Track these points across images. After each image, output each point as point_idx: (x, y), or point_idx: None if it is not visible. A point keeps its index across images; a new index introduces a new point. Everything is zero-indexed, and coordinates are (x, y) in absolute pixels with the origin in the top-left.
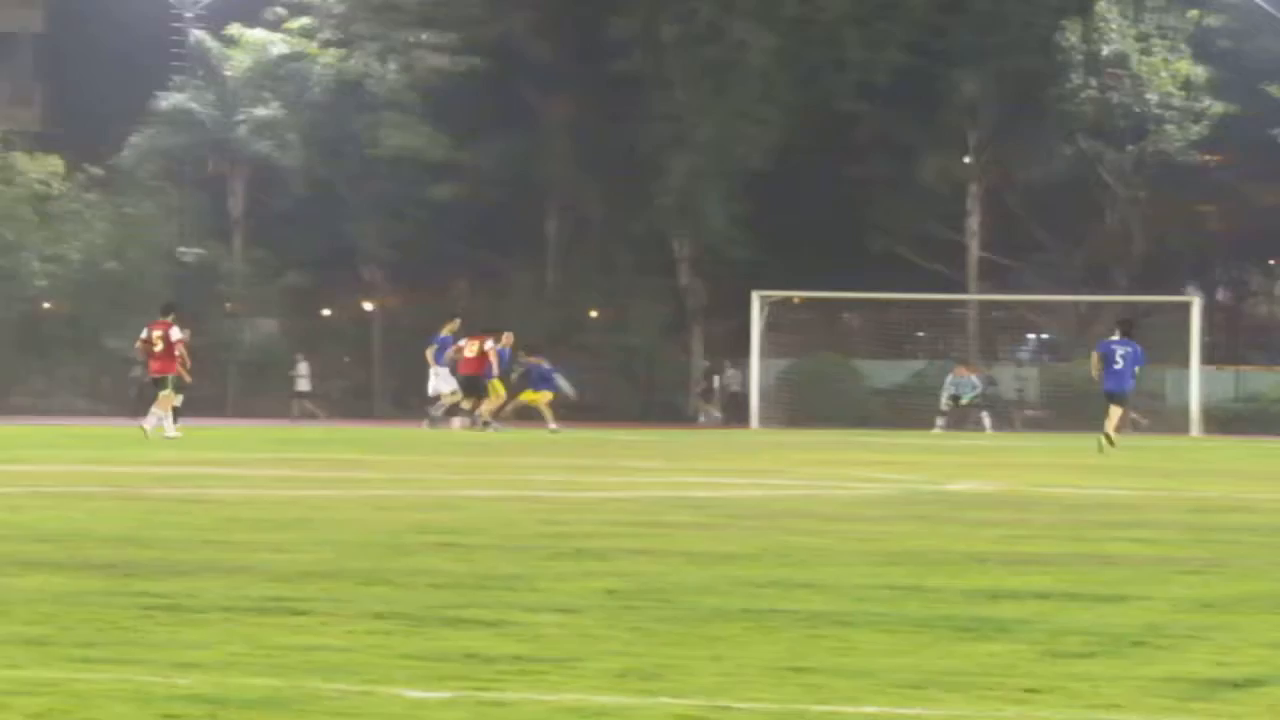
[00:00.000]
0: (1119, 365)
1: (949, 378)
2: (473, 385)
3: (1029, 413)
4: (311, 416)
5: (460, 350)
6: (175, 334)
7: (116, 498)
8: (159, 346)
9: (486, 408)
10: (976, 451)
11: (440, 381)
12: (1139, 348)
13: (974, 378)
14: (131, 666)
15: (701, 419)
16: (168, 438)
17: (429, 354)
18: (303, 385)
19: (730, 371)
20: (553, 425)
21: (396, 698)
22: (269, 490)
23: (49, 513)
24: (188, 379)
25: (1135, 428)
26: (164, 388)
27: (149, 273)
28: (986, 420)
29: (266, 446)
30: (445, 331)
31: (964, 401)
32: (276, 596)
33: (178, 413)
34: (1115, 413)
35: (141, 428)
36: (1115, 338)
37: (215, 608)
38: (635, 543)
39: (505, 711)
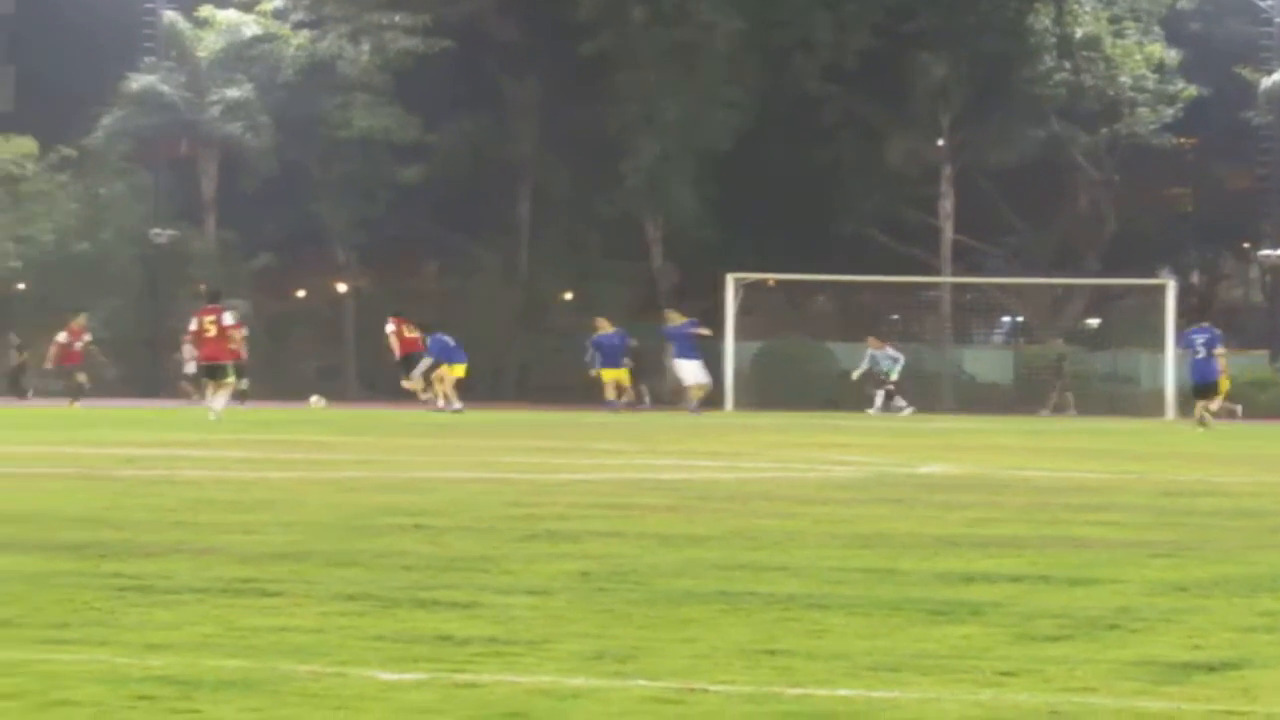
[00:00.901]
0: (1200, 354)
1: (869, 353)
2: (411, 363)
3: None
4: (187, 396)
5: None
6: (228, 319)
7: (87, 478)
8: (211, 333)
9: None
10: (947, 434)
11: (690, 372)
12: (1217, 331)
13: (890, 350)
14: (103, 647)
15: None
16: (211, 421)
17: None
18: (190, 369)
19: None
20: (456, 405)
21: (369, 679)
22: (239, 472)
23: (19, 494)
24: (243, 359)
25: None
26: (222, 375)
27: (120, 254)
28: (900, 400)
29: (236, 427)
30: (677, 321)
31: (894, 376)
32: (248, 578)
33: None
34: (1212, 400)
35: (208, 409)
36: (1196, 326)
37: (187, 589)
38: (607, 525)
39: (478, 693)
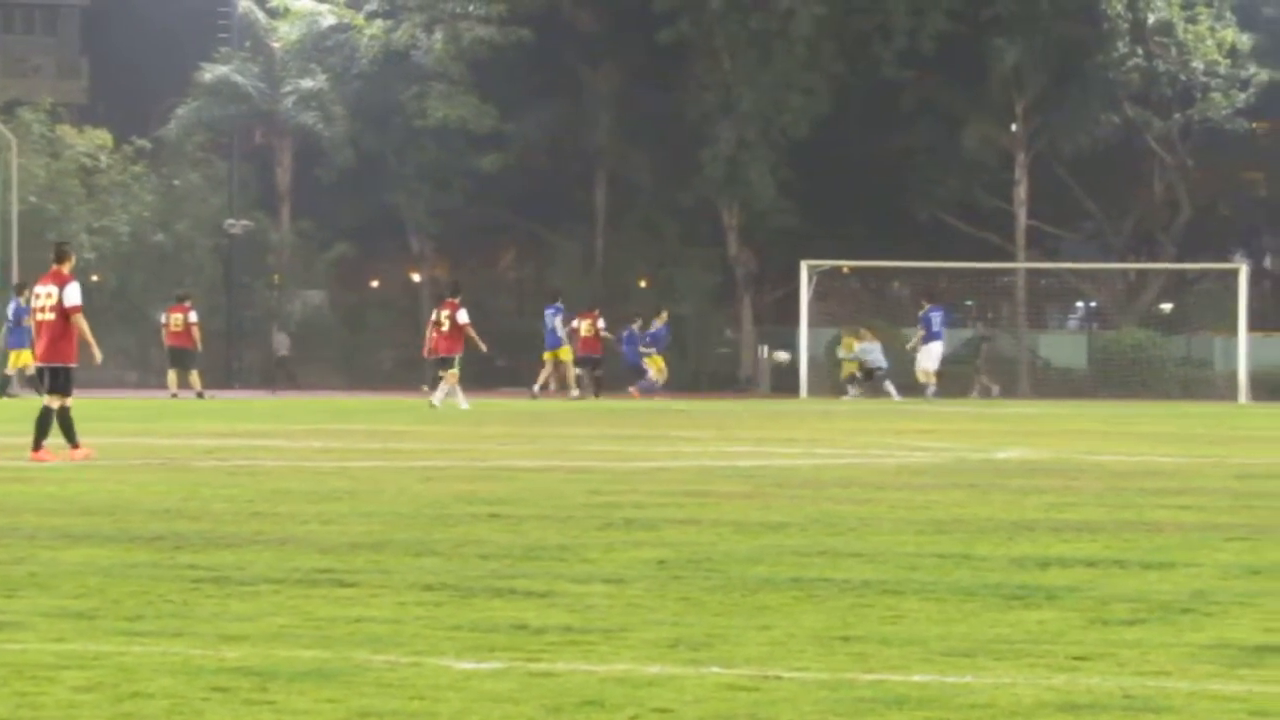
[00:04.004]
0: None
1: (863, 346)
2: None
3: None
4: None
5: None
6: (463, 316)
7: (164, 470)
8: (446, 326)
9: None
10: (1023, 419)
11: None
12: None
13: (868, 345)
14: (179, 639)
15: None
16: (462, 410)
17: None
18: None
19: None
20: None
21: (446, 669)
22: (316, 461)
23: (96, 485)
24: (484, 349)
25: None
26: (449, 366)
27: (196, 245)
28: (892, 388)
29: (314, 418)
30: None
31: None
32: (324, 568)
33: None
34: None
35: (429, 401)
36: None
37: (263, 580)
38: (683, 513)
39: (555, 682)
